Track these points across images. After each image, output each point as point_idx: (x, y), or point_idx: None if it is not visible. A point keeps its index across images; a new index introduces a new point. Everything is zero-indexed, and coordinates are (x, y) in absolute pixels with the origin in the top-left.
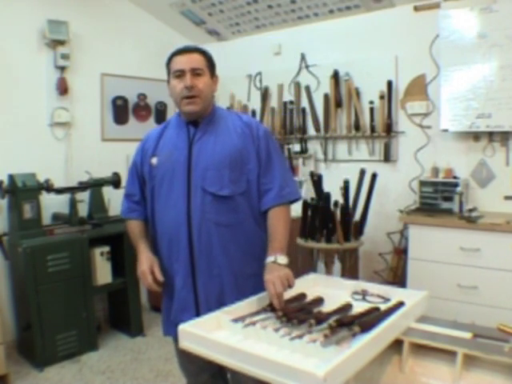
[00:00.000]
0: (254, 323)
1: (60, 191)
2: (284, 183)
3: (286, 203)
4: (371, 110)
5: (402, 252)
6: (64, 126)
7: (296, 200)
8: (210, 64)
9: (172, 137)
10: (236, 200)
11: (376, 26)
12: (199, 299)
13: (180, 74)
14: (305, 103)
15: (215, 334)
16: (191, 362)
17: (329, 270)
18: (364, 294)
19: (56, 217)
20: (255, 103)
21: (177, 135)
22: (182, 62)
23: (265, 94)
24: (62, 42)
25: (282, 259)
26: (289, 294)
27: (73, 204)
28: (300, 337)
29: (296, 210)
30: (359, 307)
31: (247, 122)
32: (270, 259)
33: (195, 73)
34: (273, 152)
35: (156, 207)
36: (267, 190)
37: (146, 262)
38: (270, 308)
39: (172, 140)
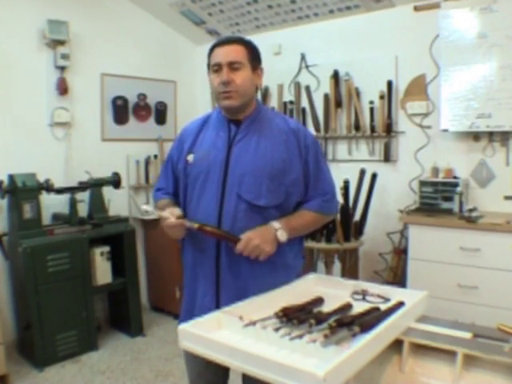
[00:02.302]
0: (254, 323)
1: (60, 191)
2: (329, 195)
3: (324, 213)
4: (371, 110)
5: (401, 252)
6: (64, 125)
7: (333, 214)
8: (253, 56)
9: (212, 134)
10: (270, 212)
11: (376, 26)
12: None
13: (217, 69)
14: (305, 103)
15: (215, 333)
16: (199, 377)
17: (329, 270)
18: (364, 294)
19: (56, 217)
20: None
21: (216, 133)
22: (219, 55)
23: (265, 94)
24: (62, 42)
25: (282, 235)
26: (286, 300)
27: (73, 204)
28: (300, 337)
29: None
30: (359, 307)
31: (294, 128)
32: (274, 224)
33: (233, 67)
34: (322, 163)
35: (187, 209)
36: (309, 199)
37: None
38: (283, 313)
39: (211, 138)
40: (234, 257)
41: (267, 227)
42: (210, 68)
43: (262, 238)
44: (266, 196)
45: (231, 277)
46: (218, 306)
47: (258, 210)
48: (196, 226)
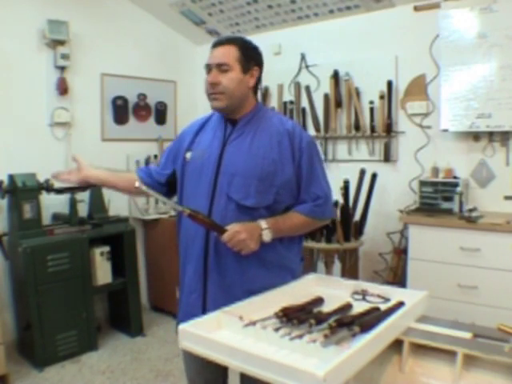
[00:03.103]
0: (254, 323)
1: (60, 191)
2: (321, 200)
3: (315, 218)
4: (371, 110)
5: (401, 252)
6: (64, 125)
7: (327, 219)
8: (245, 57)
9: (210, 134)
10: (260, 212)
11: (376, 26)
12: (208, 307)
13: (208, 70)
14: (305, 103)
15: (215, 333)
16: (198, 374)
17: (329, 270)
18: (364, 294)
19: (56, 217)
20: None
21: (214, 133)
22: (211, 57)
23: (265, 94)
24: (62, 42)
25: (267, 235)
26: (286, 301)
27: (73, 204)
28: (300, 337)
29: None
30: (359, 307)
31: (289, 129)
32: (261, 224)
33: (221, 69)
34: (316, 166)
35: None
36: (301, 203)
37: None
38: (283, 313)
39: (209, 137)
40: (221, 254)
41: (254, 224)
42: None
43: (248, 234)
44: (255, 197)
45: (218, 273)
46: (204, 304)
47: (247, 211)
48: (187, 211)
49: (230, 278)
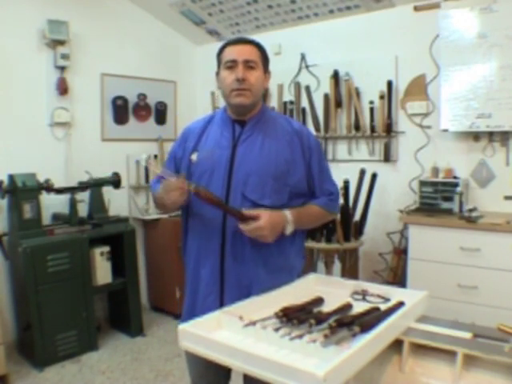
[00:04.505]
0: (254, 323)
1: (60, 191)
2: (334, 195)
3: (329, 211)
4: (371, 110)
5: (401, 252)
6: (64, 125)
7: (336, 213)
8: (264, 58)
9: (216, 134)
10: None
11: (376, 25)
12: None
13: (232, 65)
14: (305, 103)
15: (215, 334)
16: (201, 377)
17: (329, 270)
18: (364, 294)
19: (56, 217)
20: None
21: (221, 133)
22: (235, 53)
23: (265, 94)
24: (62, 42)
25: (289, 230)
26: (286, 300)
27: (73, 204)
28: (300, 337)
29: None
30: (359, 307)
31: (298, 129)
32: (287, 216)
33: (248, 65)
34: (325, 164)
35: (190, 208)
36: (315, 199)
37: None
38: (283, 313)
39: (216, 137)
40: (238, 256)
41: (280, 218)
42: (222, 65)
43: (271, 230)
44: (271, 196)
45: (235, 275)
46: (222, 306)
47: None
48: (192, 187)
49: (246, 280)
